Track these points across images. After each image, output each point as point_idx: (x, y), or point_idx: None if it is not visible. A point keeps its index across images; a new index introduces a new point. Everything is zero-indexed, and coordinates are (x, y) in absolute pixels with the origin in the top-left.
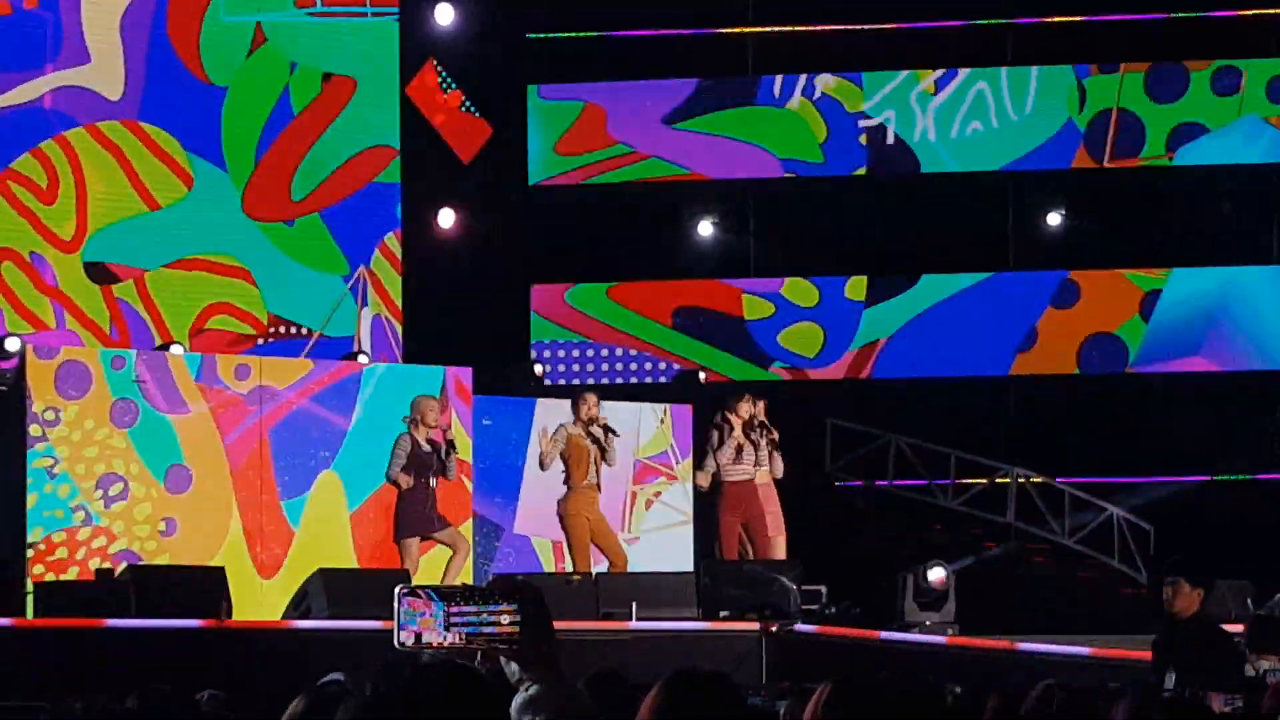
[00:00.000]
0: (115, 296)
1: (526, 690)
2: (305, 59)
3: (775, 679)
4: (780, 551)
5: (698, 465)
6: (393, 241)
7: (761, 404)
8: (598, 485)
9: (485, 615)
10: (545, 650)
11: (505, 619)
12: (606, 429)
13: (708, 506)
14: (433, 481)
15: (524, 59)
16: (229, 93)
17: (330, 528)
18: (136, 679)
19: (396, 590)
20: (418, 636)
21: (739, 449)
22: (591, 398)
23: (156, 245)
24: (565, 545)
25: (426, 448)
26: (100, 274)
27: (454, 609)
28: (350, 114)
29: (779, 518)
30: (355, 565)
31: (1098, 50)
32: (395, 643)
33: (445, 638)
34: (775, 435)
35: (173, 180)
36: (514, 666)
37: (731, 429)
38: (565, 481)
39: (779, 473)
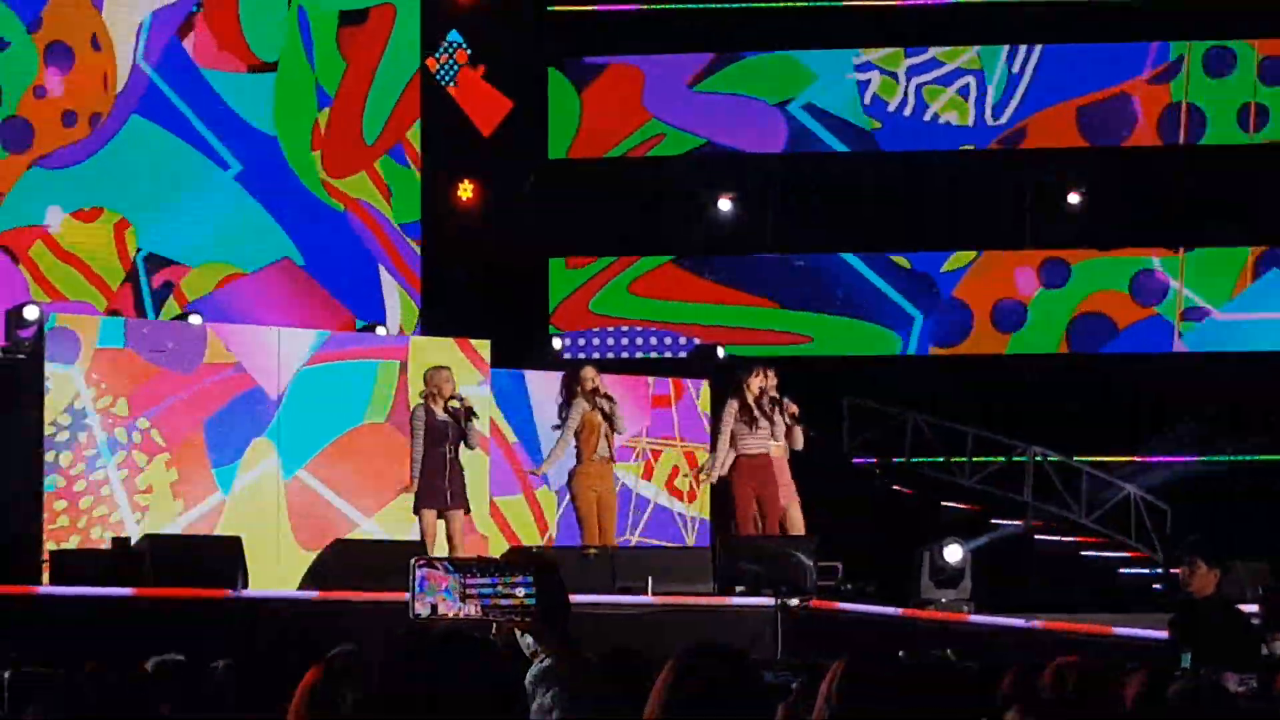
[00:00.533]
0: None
1: (541, 663)
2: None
3: (790, 655)
4: (797, 521)
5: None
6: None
7: (772, 377)
8: (610, 458)
9: (501, 587)
10: (560, 623)
11: (520, 591)
12: (609, 398)
13: (724, 482)
14: (450, 452)
15: (545, 32)
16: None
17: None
18: (152, 648)
19: (412, 562)
20: (433, 608)
21: (752, 422)
22: (589, 371)
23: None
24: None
25: (443, 418)
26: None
27: (470, 581)
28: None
29: (791, 488)
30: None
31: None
32: (410, 614)
33: (460, 609)
34: (795, 409)
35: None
36: (528, 639)
37: (744, 402)
38: (576, 455)
39: (799, 444)
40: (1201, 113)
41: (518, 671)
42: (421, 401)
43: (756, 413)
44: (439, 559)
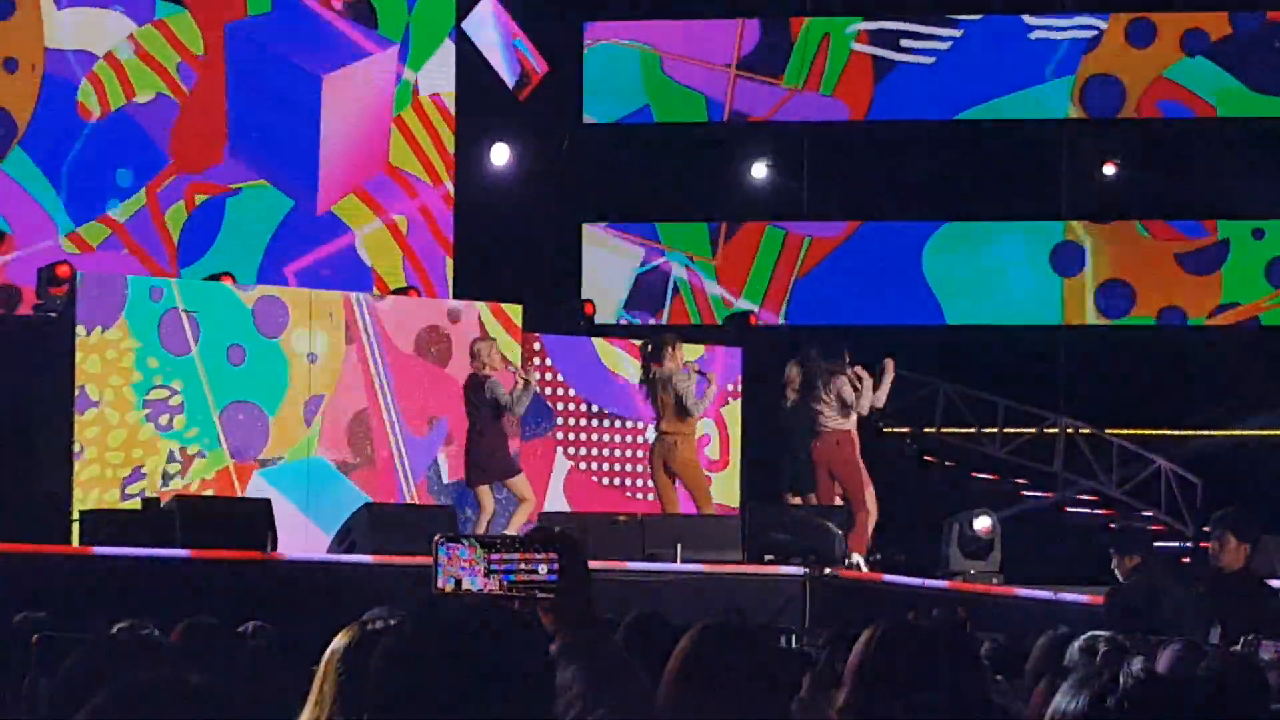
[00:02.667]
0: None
1: (563, 639)
2: None
3: (818, 624)
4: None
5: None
6: (445, 175)
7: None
8: (684, 430)
9: (524, 564)
10: (582, 600)
11: (544, 568)
12: (700, 372)
13: (756, 449)
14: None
15: None
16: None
17: None
18: (180, 609)
19: (435, 539)
20: (457, 583)
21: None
22: (677, 345)
23: None
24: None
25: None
26: None
27: (494, 557)
28: None
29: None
30: None
31: None
32: (433, 589)
33: (484, 585)
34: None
35: None
36: (552, 616)
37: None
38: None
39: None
40: None
41: (544, 645)
42: (488, 374)
43: (823, 392)
44: (464, 535)
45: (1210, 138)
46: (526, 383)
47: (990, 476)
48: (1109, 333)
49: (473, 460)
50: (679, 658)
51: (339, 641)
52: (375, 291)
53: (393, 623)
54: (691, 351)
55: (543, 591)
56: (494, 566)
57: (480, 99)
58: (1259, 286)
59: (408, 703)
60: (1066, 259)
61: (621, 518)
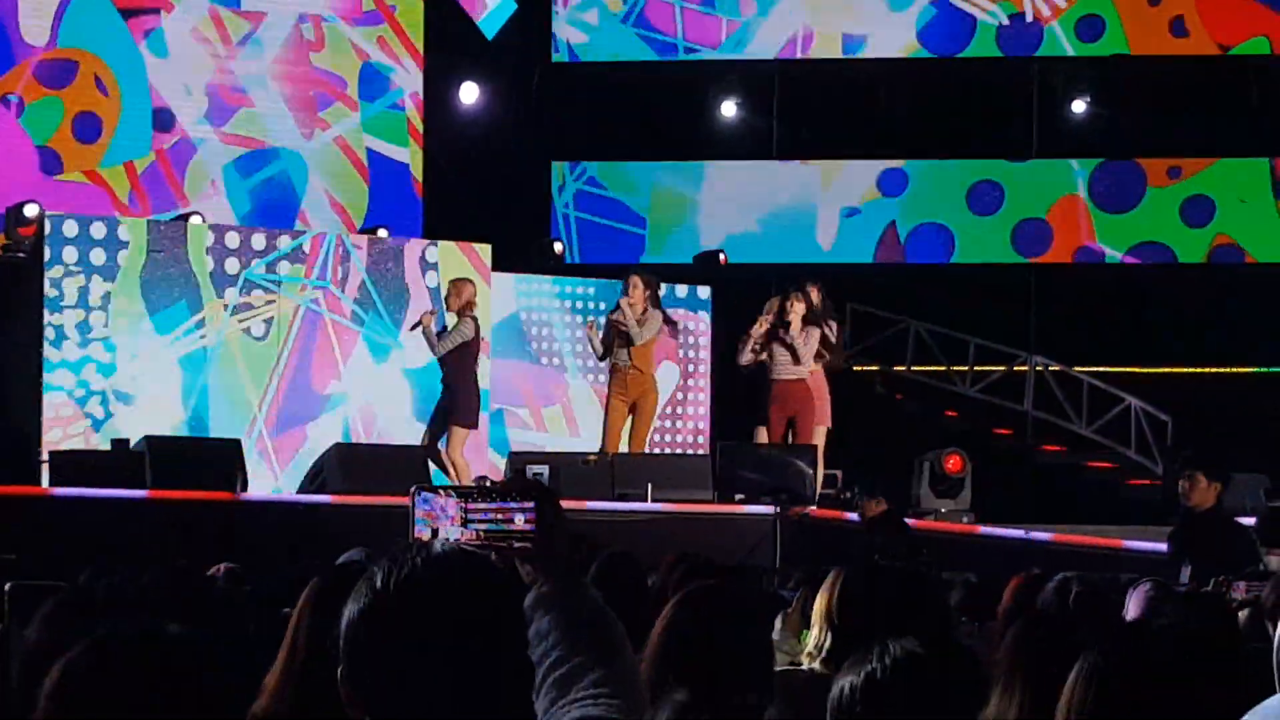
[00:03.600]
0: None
1: (539, 588)
2: None
3: (789, 563)
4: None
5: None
6: (414, 115)
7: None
8: (633, 366)
9: (500, 515)
10: (559, 549)
11: (520, 518)
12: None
13: (729, 389)
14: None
15: None
16: None
17: None
18: (151, 551)
19: (412, 489)
20: (434, 532)
21: (788, 347)
22: (635, 278)
23: None
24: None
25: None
26: None
27: (471, 506)
28: None
29: (827, 405)
30: None
31: None
32: (410, 539)
33: (460, 535)
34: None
35: None
36: (528, 567)
37: (788, 325)
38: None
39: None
40: None
41: (520, 594)
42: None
43: (791, 336)
44: (440, 485)
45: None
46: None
47: (960, 415)
48: (1080, 270)
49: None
50: (664, 623)
51: (312, 587)
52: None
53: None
54: None
55: (519, 541)
56: (471, 516)
57: (448, 37)
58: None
59: (383, 650)
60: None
61: (591, 458)
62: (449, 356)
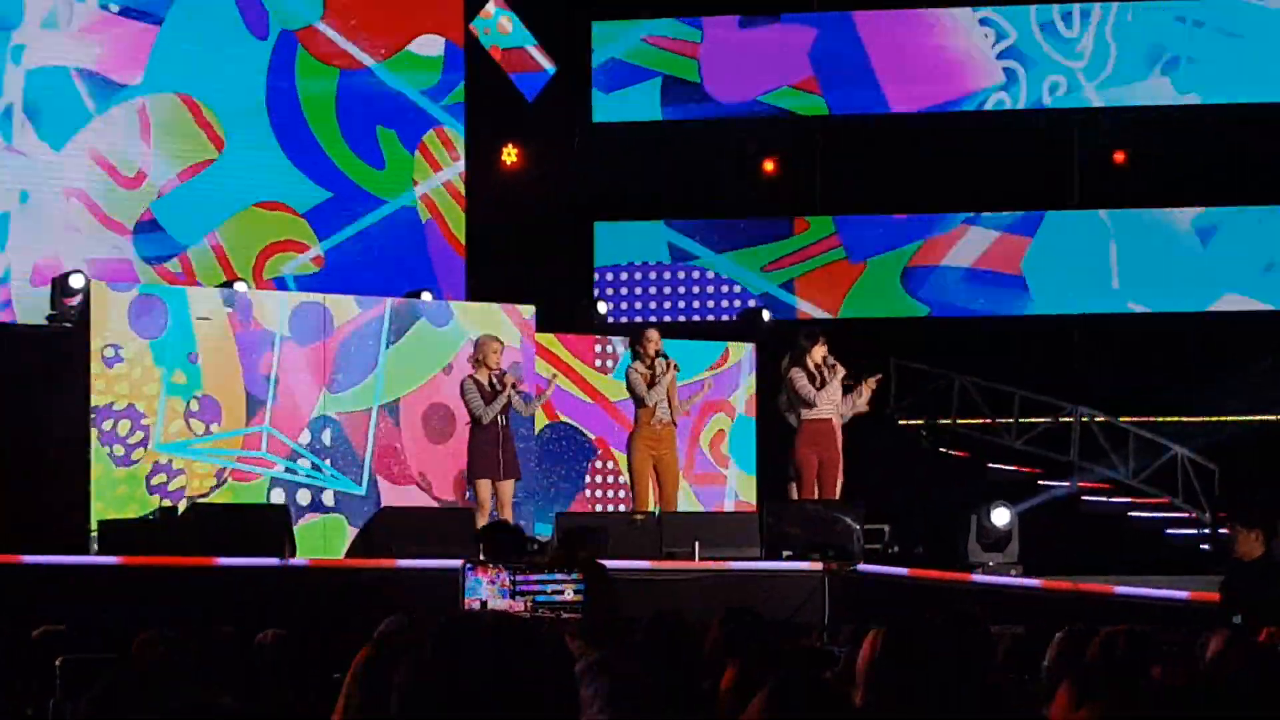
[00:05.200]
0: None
1: (587, 658)
2: None
3: (838, 620)
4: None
5: (769, 400)
6: (457, 179)
7: (824, 343)
8: (671, 421)
9: (550, 586)
10: (607, 620)
11: (569, 592)
12: (668, 362)
13: (775, 445)
14: (501, 420)
15: None
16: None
17: None
18: (199, 619)
19: (462, 563)
20: (483, 604)
21: (821, 388)
22: (653, 333)
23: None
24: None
25: (489, 388)
26: None
27: (520, 578)
28: None
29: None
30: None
31: None
32: (459, 609)
33: (510, 605)
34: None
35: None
36: (578, 640)
37: (808, 370)
38: (634, 419)
39: (863, 407)
40: None
41: (568, 663)
42: (471, 371)
43: (819, 379)
44: (490, 562)
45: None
46: (514, 386)
47: (1008, 467)
48: (1125, 320)
49: (510, 457)
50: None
51: (362, 653)
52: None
53: (413, 630)
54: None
55: (568, 612)
56: (520, 588)
57: (489, 99)
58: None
59: (435, 717)
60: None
61: (639, 516)
62: (502, 412)
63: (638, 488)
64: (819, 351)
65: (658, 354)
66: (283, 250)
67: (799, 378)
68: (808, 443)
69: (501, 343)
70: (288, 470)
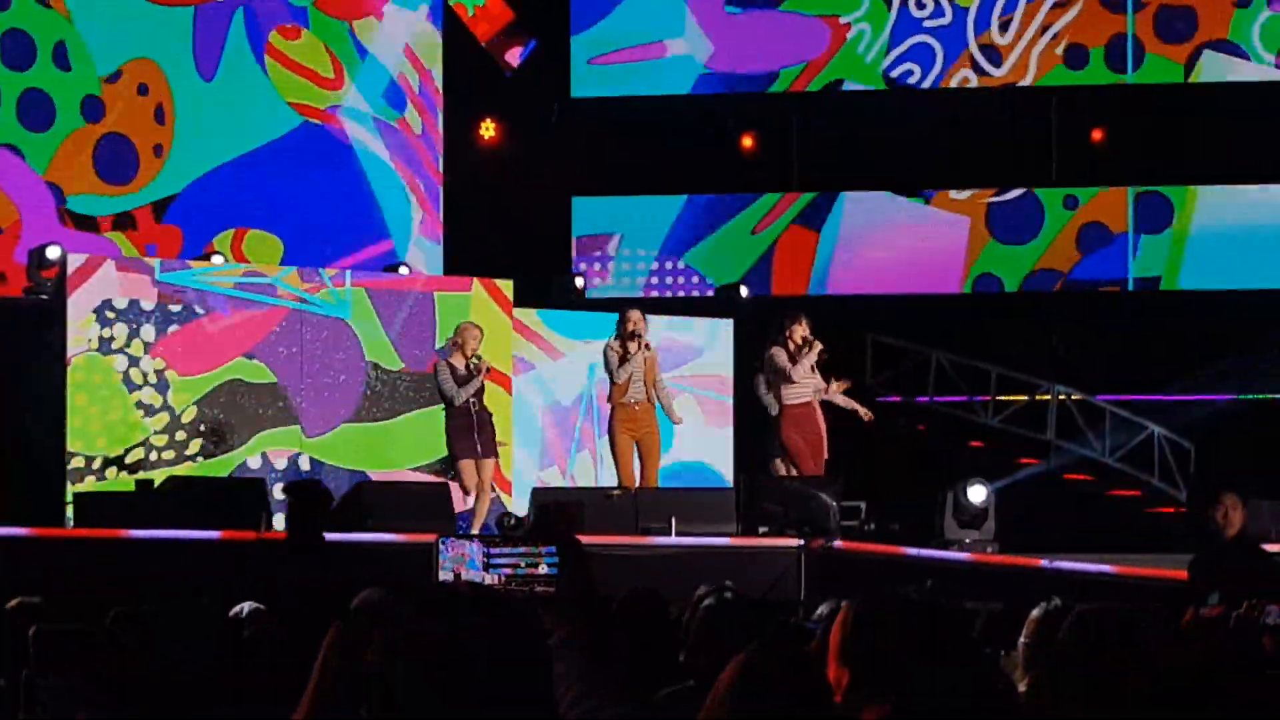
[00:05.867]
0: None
1: (561, 632)
2: None
3: (813, 596)
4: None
5: (748, 377)
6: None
7: (807, 323)
8: (648, 401)
9: (525, 560)
10: (581, 596)
11: (543, 565)
12: (644, 344)
13: (755, 425)
14: (476, 403)
15: None
16: None
17: None
18: (175, 591)
19: (437, 538)
20: (456, 576)
21: (794, 374)
22: (634, 313)
23: None
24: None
25: (463, 372)
26: None
27: (494, 551)
28: None
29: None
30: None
31: None
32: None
33: (483, 579)
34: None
35: None
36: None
37: (789, 350)
38: (609, 398)
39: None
40: None
41: (544, 637)
42: (445, 356)
43: (801, 360)
44: (465, 532)
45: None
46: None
47: (984, 445)
48: (1100, 298)
49: (488, 438)
50: (729, 681)
51: (336, 626)
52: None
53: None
54: None
55: (542, 586)
56: (494, 561)
57: (468, 74)
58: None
59: (410, 690)
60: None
61: (615, 492)
62: (476, 395)
63: (620, 469)
64: (799, 331)
65: (633, 334)
66: None
67: (779, 354)
68: (792, 427)
69: (481, 330)
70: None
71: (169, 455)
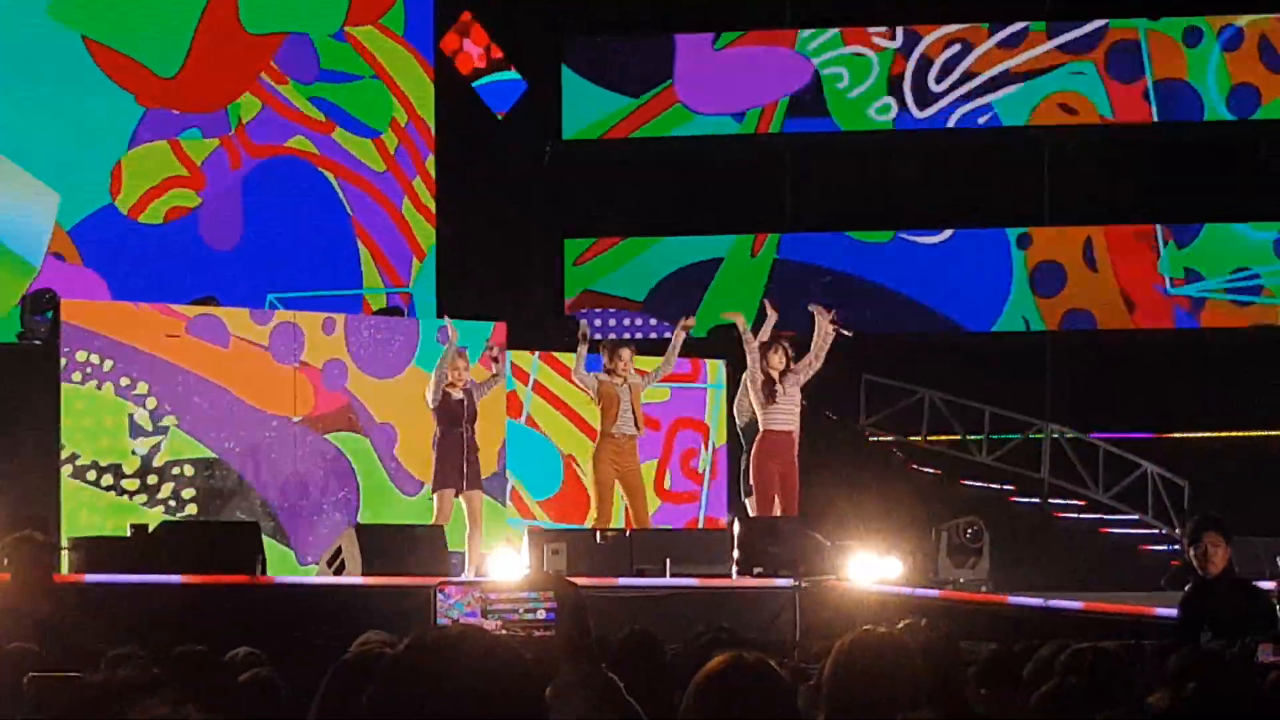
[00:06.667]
0: None
1: (560, 676)
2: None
3: (810, 636)
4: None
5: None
6: (425, 194)
7: (783, 348)
8: (634, 434)
9: (522, 606)
10: (579, 640)
11: (541, 610)
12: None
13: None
14: (466, 431)
15: (558, 12)
16: None
17: None
18: (170, 636)
19: (433, 587)
20: (454, 623)
21: (774, 396)
22: (627, 352)
23: None
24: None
25: (458, 397)
26: None
27: (492, 597)
28: None
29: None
30: None
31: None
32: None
33: (480, 625)
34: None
35: None
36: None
37: (767, 376)
38: (599, 431)
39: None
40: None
41: (540, 680)
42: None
43: (778, 387)
44: (462, 581)
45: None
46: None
47: (978, 483)
48: (1093, 336)
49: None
50: (691, 699)
51: (333, 670)
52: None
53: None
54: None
55: (540, 631)
56: (492, 607)
57: (461, 116)
58: None
59: None
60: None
61: (610, 533)
62: (469, 421)
63: (600, 502)
64: (777, 359)
65: (615, 370)
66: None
67: (757, 380)
68: (768, 455)
69: (465, 350)
70: None
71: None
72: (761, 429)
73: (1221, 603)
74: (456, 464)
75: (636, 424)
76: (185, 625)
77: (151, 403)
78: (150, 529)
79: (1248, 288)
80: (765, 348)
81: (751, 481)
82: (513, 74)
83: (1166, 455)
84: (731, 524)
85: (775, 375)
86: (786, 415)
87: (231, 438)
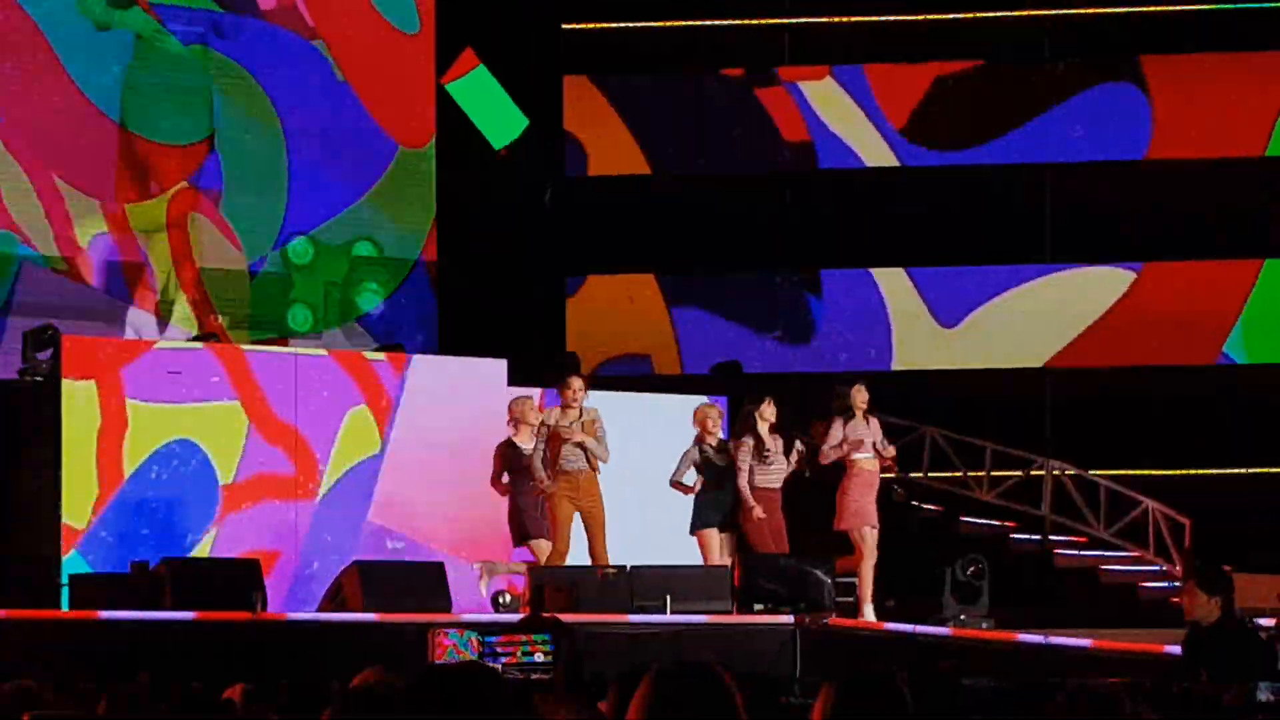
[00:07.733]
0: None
1: (556, 716)
2: None
3: (810, 673)
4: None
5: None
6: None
7: (771, 403)
8: (591, 470)
9: (521, 649)
10: (577, 679)
11: (539, 653)
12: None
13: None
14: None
15: (560, 49)
16: None
17: None
18: (171, 672)
19: (431, 631)
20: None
21: (764, 455)
22: (576, 382)
23: None
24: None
25: (527, 448)
26: None
27: (490, 640)
28: None
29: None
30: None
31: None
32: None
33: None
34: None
35: None
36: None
37: (758, 438)
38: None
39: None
40: None
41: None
42: (509, 435)
43: (769, 445)
44: (461, 624)
45: None
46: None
47: (979, 520)
48: (1094, 373)
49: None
50: (639, 701)
51: (333, 708)
52: None
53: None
54: None
55: (537, 673)
56: (489, 649)
57: (461, 152)
58: None
59: None
60: None
61: (610, 570)
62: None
63: (556, 538)
64: (769, 410)
65: (565, 401)
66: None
67: (742, 451)
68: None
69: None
70: None
71: None
72: (752, 487)
73: (1216, 648)
74: (534, 516)
75: (588, 460)
76: (186, 662)
77: None
78: (150, 565)
79: None
80: (756, 401)
81: (744, 536)
82: (487, 74)
83: (1168, 492)
84: (732, 562)
85: (765, 432)
86: (774, 474)
87: None
